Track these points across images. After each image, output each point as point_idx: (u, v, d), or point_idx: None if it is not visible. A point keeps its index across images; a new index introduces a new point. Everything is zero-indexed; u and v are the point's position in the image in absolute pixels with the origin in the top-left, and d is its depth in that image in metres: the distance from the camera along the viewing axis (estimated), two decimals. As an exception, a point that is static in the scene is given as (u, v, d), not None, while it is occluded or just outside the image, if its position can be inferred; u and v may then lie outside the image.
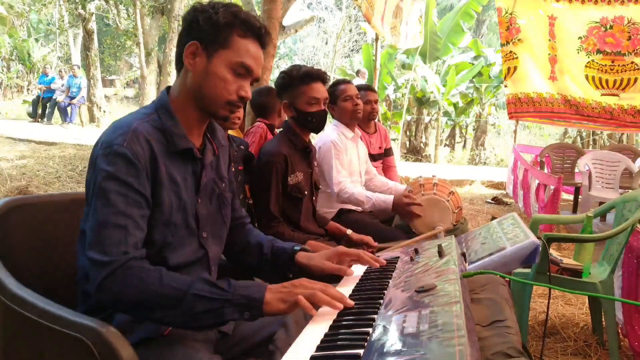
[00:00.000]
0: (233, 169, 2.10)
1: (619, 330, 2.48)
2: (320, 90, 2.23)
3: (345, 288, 1.33)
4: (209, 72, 1.23)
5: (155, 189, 1.18)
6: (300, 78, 2.18)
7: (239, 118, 2.15)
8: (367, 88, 3.42)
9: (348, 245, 2.31)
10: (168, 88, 1.31)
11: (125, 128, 1.17)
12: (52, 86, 13.43)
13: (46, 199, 1.47)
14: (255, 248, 1.54)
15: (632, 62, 5.99)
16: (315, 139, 2.39)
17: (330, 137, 2.73)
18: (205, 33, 1.22)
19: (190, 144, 1.26)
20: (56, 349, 1.20)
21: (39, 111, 13.50)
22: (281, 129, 2.32)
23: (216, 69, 1.23)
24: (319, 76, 2.24)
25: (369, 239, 2.32)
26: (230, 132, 2.19)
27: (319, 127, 2.29)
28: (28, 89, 19.19)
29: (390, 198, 2.66)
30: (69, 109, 13.21)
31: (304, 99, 2.20)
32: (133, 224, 1.12)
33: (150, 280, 1.08)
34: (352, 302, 1.12)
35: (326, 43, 20.28)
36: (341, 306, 1.09)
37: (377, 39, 6.27)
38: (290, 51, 24.21)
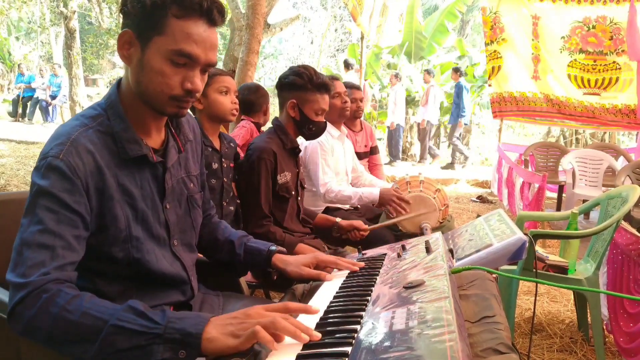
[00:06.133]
0: (224, 165, 2.08)
1: (604, 327, 2.50)
2: (328, 102, 2.21)
3: (332, 285, 1.30)
4: (144, 65, 1.06)
5: (106, 205, 1.07)
6: (317, 86, 2.12)
7: (237, 110, 2.11)
8: (352, 86, 3.41)
9: (339, 233, 2.33)
10: (119, 82, 1.16)
11: (63, 137, 1.04)
12: (33, 85, 13.22)
13: (24, 196, 1.42)
14: (225, 245, 1.47)
15: (614, 62, 6.07)
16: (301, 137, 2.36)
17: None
18: (136, 18, 1.05)
19: (143, 150, 1.12)
20: (33, 348, 1.16)
21: (20, 110, 13.29)
22: (270, 126, 2.28)
23: (151, 61, 1.05)
24: (330, 89, 2.21)
25: (359, 223, 2.31)
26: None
27: (315, 137, 2.26)
28: (9, 88, 18.87)
29: (376, 190, 2.66)
30: (50, 108, 13.02)
31: (314, 107, 2.15)
32: (63, 245, 0.98)
33: (68, 306, 0.92)
34: (318, 335, 0.92)
35: (312, 42, 20.25)
36: (306, 338, 0.90)
37: (362, 38, 6.27)
38: (276, 50, 24.13)
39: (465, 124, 10.11)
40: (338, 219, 2.36)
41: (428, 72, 10.53)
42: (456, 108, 9.93)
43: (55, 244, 0.97)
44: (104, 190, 1.07)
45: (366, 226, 2.33)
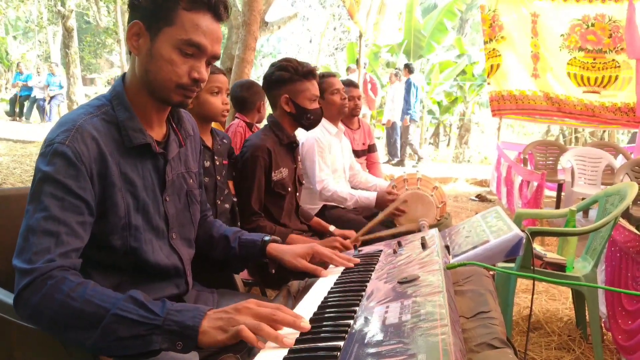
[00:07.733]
0: (217, 163, 2.06)
1: (603, 324, 2.49)
2: (317, 88, 2.20)
3: (328, 281, 1.29)
4: (153, 54, 1.11)
5: (107, 192, 1.09)
6: (304, 74, 2.12)
7: (227, 110, 2.10)
8: (349, 84, 3.39)
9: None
10: (124, 75, 1.20)
11: (69, 124, 1.07)
12: (30, 83, 13.19)
13: (18, 192, 1.41)
14: (220, 241, 1.47)
15: (613, 60, 6.06)
16: (298, 134, 2.34)
17: (314, 134, 2.68)
18: (147, 10, 1.11)
19: (147, 138, 1.15)
20: (26, 347, 1.15)
21: (17, 110, 13.27)
22: (266, 123, 2.26)
23: (161, 50, 1.10)
24: (316, 74, 2.20)
25: (351, 232, 2.29)
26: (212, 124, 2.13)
27: (314, 124, 2.25)
28: (6, 88, 18.85)
29: (373, 195, 2.64)
30: (47, 107, 13.00)
31: (307, 96, 2.14)
32: (67, 231, 1.00)
33: (72, 293, 0.94)
34: (308, 326, 0.94)
35: (310, 41, 20.23)
36: (290, 343, 0.89)
37: (360, 36, 6.26)
38: (274, 49, 24.13)
39: (413, 120, 9.92)
40: (332, 228, 2.33)
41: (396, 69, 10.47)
42: (406, 105, 9.80)
43: (59, 230, 0.99)
44: (106, 177, 1.09)
45: (357, 235, 2.25)
